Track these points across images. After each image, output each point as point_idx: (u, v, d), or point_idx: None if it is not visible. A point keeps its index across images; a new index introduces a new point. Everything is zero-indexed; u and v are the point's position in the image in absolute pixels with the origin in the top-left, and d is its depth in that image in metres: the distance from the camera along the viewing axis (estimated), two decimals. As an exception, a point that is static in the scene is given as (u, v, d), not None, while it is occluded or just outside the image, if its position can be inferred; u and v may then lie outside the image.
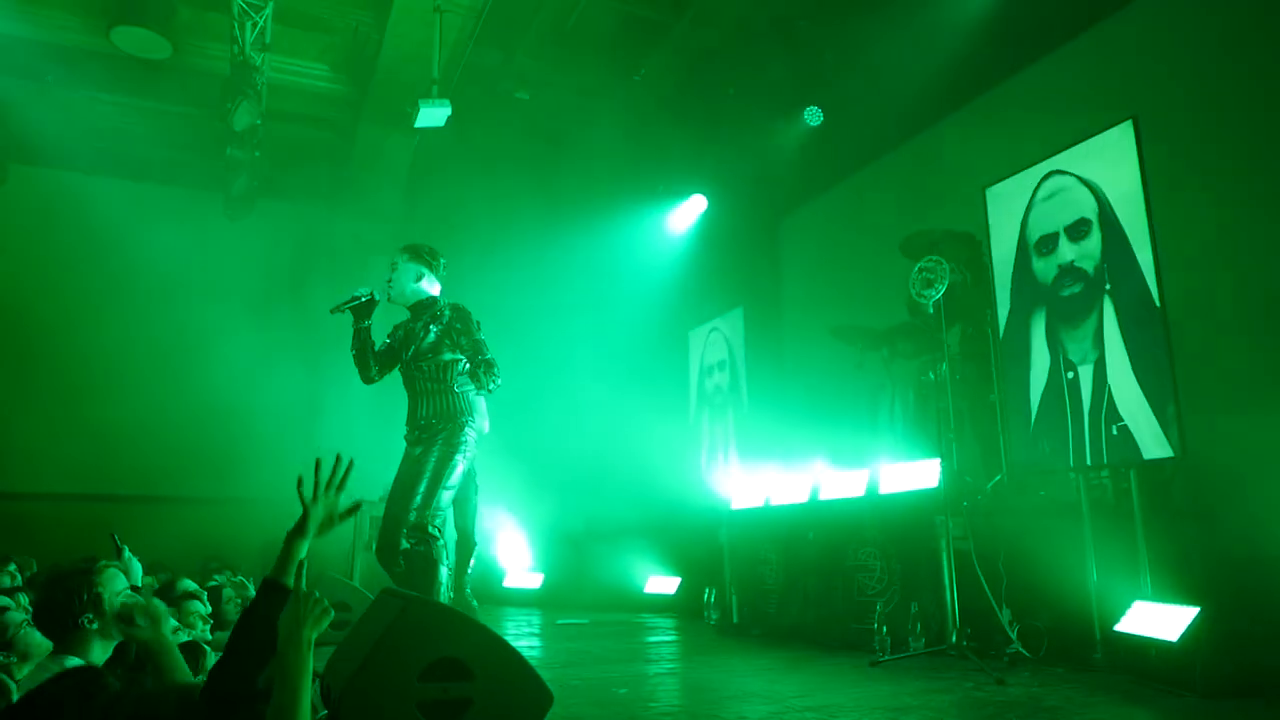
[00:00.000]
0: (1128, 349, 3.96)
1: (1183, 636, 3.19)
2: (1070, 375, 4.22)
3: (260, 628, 1.59)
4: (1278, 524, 3.77)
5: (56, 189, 8.63)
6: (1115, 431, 3.95)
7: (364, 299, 3.98)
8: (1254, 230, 4.72)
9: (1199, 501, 4.25)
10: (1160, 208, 3.92)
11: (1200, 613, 3.20)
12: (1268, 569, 3.70)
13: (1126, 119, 4.00)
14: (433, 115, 6.85)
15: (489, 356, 3.84)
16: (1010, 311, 4.63)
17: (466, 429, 3.87)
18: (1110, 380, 4.02)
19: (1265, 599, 3.57)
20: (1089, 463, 4.11)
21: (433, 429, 3.87)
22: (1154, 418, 3.81)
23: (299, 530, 1.95)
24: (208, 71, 7.73)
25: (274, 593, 1.77)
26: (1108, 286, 4.09)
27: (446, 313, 3.99)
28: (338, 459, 2.06)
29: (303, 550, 1.94)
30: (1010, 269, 4.65)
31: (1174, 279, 3.97)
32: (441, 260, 4.16)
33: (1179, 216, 4.52)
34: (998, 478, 4.91)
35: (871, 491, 4.86)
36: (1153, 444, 3.82)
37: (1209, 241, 4.79)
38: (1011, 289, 4.64)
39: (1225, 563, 3.80)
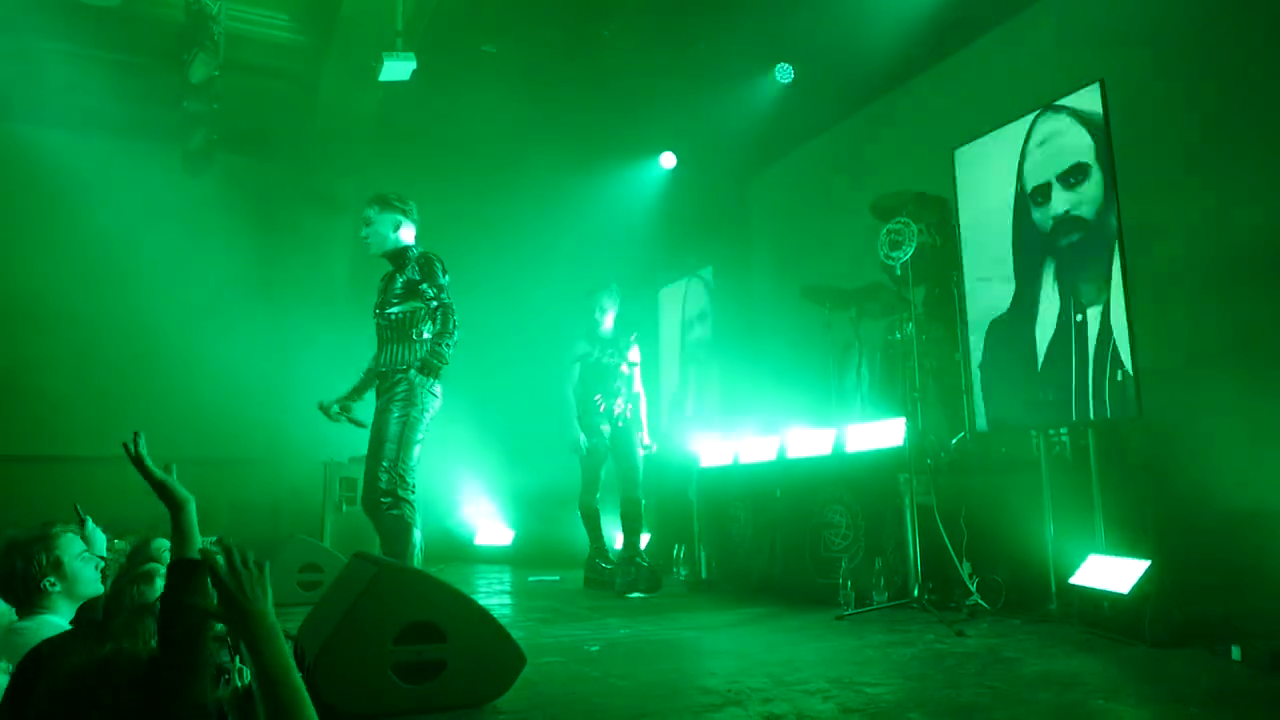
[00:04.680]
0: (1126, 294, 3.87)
1: (1133, 588, 3.31)
2: (1080, 318, 4.11)
3: (186, 612, 1.50)
4: (1224, 482, 3.92)
5: (5, 144, 8.31)
6: (1120, 377, 3.86)
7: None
8: (1215, 192, 4.80)
9: (1153, 460, 4.38)
10: (1125, 171, 3.97)
11: (1150, 566, 3.33)
12: (1214, 524, 3.85)
13: (1093, 81, 4.03)
14: (397, 69, 6.70)
15: (447, 301, 3.87)
16: (1016, 263, 4.45)
17: (430, 380, 3.85)
18: (1114, 326, 3.92)
19: (1211, 553, 3.72)
20: (1092, 414, 3.99)
21: (391, 379, 3.89)
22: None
23: (177, 499, 1.86)
24: (162, 20, 7.43)
25: (189, 571, 1.57)
26: (1116, 227, 3.92)
27: (413, 260, 3.99)
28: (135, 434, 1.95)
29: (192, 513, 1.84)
30: (1008, 220, 4.49)
31: (1135, 239, 4.03)
32: (413, 204, 4.16)
33: (1144, 178, 4.58)
34: (961, 435, 5.02)
35: (838, 450, 4.94)
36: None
37: (1171, 203, 4.86)
38: (1014, 239, 4.47)
39: (1175, 518, 3.94)
